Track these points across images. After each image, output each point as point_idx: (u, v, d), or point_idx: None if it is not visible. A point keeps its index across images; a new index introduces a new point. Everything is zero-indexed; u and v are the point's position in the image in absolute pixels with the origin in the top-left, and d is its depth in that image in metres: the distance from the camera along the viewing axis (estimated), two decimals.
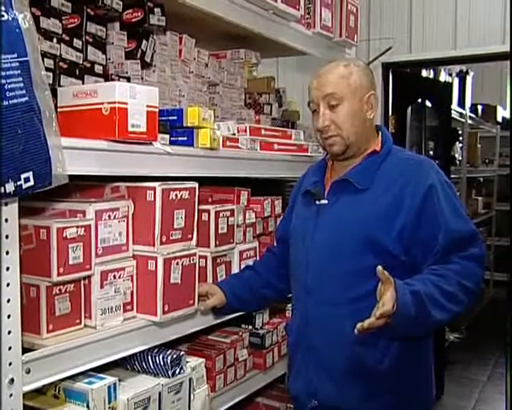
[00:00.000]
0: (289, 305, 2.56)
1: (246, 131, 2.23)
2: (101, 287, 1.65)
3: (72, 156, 1.45)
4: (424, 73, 5.07)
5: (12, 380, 1.37)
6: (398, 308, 1.52)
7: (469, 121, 6.16)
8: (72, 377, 1.58)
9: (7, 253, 1.35)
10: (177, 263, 1.79)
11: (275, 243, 2.21)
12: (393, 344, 1.74)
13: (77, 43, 1.86)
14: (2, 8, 1.23)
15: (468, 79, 6.08)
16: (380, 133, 1.89)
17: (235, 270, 2.17)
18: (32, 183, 1.29)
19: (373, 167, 1.81)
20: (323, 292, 1.80)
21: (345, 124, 1.78)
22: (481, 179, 7.67)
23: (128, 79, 2.03)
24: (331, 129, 1.78)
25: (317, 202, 1.85)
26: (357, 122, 1.80)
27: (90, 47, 1.91)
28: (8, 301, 1.35)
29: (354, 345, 1.73)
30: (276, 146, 2.36)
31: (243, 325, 2.38)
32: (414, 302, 1.56)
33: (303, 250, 1.86)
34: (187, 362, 1.90)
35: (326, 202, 1.84)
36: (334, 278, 1.77)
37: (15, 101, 1.24)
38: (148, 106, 1.64)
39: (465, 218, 1.77)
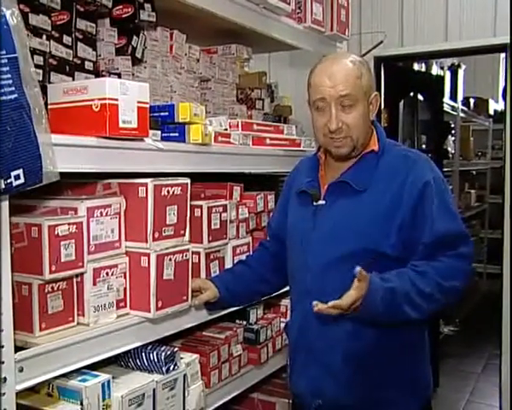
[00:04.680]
0: (284, 300, 2.57)
1: (238, 126, 2.22)
2: (94, 284, 1.65)
3: (63, 153, 1.44)
4: (416, 66, 5.07)
5: (5, 379, 1.36)
6: (363, 302, 1.61)
7: (462, 114, 6.17)
8: (66, 375, 1.57)
9: None
10: (170, 259, 1.78)
11: (267, 238, 2.20)
12: (393, 341, 1.76)
13: (66, 39, 1.84)
14: None
15: (460, 73, 6.09)
16: (374, 129, 1.87)
17: (228, 265, 2.17)
18: (22, 180, 1.28)
19: (370, 167, 1.79)
20: (323, 293, 1.79)
21: (356, 126, 1.76)
22: (474, 172, 7.70)
23: (119, 76, 2.02)
24: (343, 130, 1.76)
25: (315, 203, 1.84)
26: (365, 124, 1.79)
27: (79, 43, 1.89)
28: (0, 299, 1.35)
29: (355, 344, 1.75)
30: (268, 141, 2.35)
31: (237, 321, 2.38)
32: (384, 299, 1.63)
33: (301, 252, 1.85)
34: (181, 358, 1.90)
35: (323, 202, 1.83)
36: (333, 279, 1.76)
37: (4, 98, 1.24)
38: (138, 102, 1.64)
39: (455, 216, 1.78)
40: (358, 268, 1.58)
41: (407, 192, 1.73)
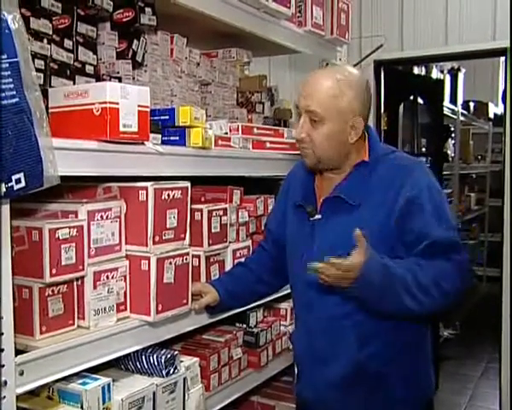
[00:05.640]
0: (283, 304, 2.58)
1: (238, 130, 2.22)
2: (95, 287, 1.65)
3: (64, 157, 1.45)
4: (416, 70, 5.08)
5: (5, 382, 1.36)
6: (361, 271, 1.54)
7: (461, 118, 6.17)
8: (66, 379, 1.57)
9: None
10: (170, 263, 1.79)
11: (265, 239, 2.19)
12: (392, 348, 1.76)
13: (67, 43, 1.85)
14: None
15: (460, 76, 6.09)
16: (367, 137, 1.83)
17: (228, 269, 2.17)
18: (23, 184, 1.29)
19: (363, 179, 1.76)
20: (325, 307, 1.80)
21: (321, 144, 1.73)
22: (474, 176, 7.70)
23: (119, 79, 2.03)
24: (306, 142, 1.75)
25: (311, 219, 1.83)
26: (335, 144, 1.74)
27: (80, 47, 1.90)
28: (1, 302, 1.35)
29: (358, 355, 1.76)
30: (268, 145, 2.36)
31: (237, 324, 2.38)
32: (380, 274, 1.58)
33: (302, 267, 1.83)
34: (181, 362, 1.90)
35: (320, 216, 1.81)
36: (334, 293, 1.75)
37: (5, 102, 1.24)
38: (139, 106, 1.64)
39: (448, 225, 1.72)
40: (358, 231, 1.54)
41: (400, 200, 1.70)
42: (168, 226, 1.79)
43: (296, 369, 2.01)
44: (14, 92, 1.26)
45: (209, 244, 2.06)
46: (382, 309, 1.69)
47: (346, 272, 1.56)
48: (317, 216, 1.82)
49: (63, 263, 1.54)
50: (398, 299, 1.62)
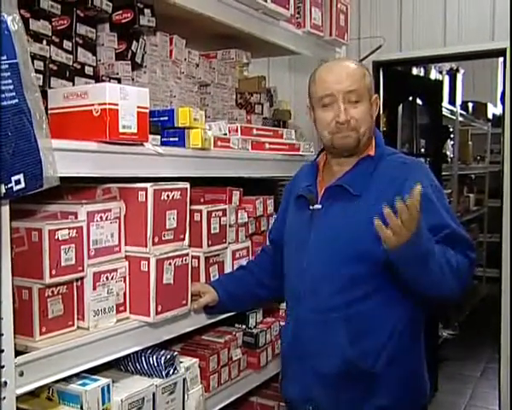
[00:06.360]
0: (283, 305, 2.57)
1: (237, 130, 2.23)
2: (94, 288, 1.65)
3: (64, 158, 1.45)
4: (415, 70, 5.08)
5: (5, 383, 1.36)
6: (417, 230, 1.51)
7: (460, 119, 6.17)
8: (66, 379, 1.57)
9: None
10: (170, 263, 1.79)
11: (267, 243, 2.20)
12: (385, 347, 1.76)
13: (67, 44, 1.85)
14: None
15: (459, 77, 6.09)
16: (373, 135, 1.89)
17: (227, 270, 2.17)
18: (23, 185, 1.29)
19: (366, 172, 1.80)
20: (316, 299, 1.80)
21: (363, 120, 1.80)
22: (473, 176, 7.70)
23: (119, 81, 2.03)
24: (350, 123, 1.79)
25: (311, 207, 1.85)
26: (370, 121, 1.84)
27: (80, 48, 1.90)
28: (0, 303, 1.35)
29: (347, 350, 1.75)
30: (267, 145, 2.36)
31: (237, 325, 2.37)
32: (427, 239, 1.58)
33: (297, 256, 1.85)
34: (180, 362, 1.90)
35: (320, 206, 1.83)
36: (327, 284, 1.77)
37: (5, 103, 1.24)
38: (138, 107, 1.64)
39: (456, 220, 1.77)
40: (419, 187, 1.48)
41: (404, 193, 1.69)
42: (167, 227, 1.79)
43: (282, 364, 2.00)
44: (14, 93, 1.26)
45: (208, 245, 2.06)
46: (412, 278, 1.64)
47: (410, 221, 1.49)
48: (317, 206, 1.84)
49: (63, 264, 1.55)
50: (430, 271, 1.60)
